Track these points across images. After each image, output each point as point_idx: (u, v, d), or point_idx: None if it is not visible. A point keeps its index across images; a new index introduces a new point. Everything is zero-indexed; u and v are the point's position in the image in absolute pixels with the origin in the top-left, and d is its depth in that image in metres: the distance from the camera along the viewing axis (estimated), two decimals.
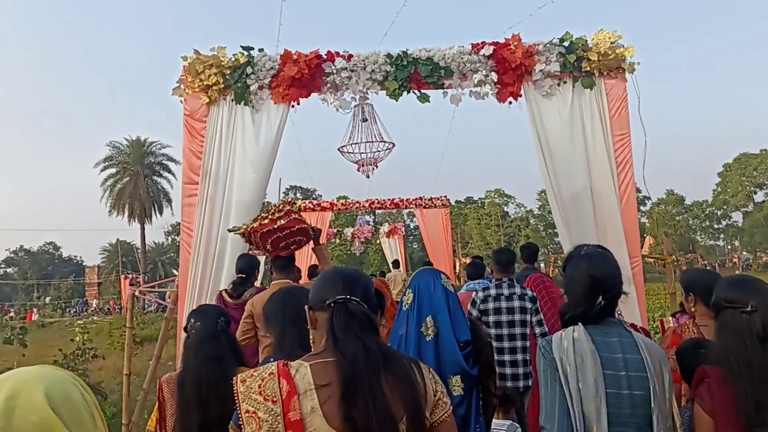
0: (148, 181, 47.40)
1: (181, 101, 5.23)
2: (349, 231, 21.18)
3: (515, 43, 4.99)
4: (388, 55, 5.06)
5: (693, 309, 2.93)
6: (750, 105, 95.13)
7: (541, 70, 4.99)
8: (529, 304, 4.60)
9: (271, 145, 5.15)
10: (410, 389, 1.58)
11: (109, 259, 64.19)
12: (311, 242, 4.39)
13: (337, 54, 5.11)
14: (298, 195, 57.44)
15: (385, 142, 6.14)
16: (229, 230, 4.61)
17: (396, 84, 5.04)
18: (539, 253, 8.40)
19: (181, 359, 2.73)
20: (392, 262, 15.72)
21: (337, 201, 14.98)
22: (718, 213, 66.79)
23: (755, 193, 63.90)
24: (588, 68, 4.99)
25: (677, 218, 65.08)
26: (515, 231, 60.47)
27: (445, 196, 15.10)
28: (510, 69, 4.99)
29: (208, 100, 5.13)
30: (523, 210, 64.73)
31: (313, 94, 5.19)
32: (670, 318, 5.40)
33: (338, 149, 6.30)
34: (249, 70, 5.09)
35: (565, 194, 5.03)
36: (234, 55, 5.18)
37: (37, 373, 1.10)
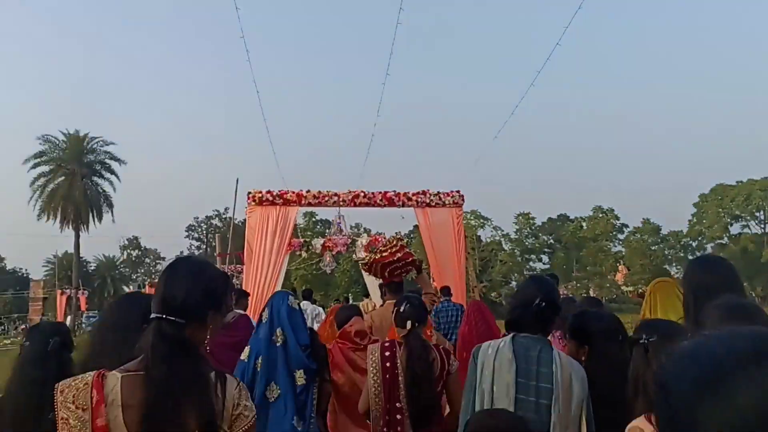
0: (86, 182, 41.03)
1: None
2: (318, 242, 16.77)
3: None
4: None
5: None
6: (730, 133, 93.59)
7: None
8: None
9: None
10: (206, 409, 1.70)
11: (55, 272, 58.17)
12: (416, 270, 4.98)
13: None
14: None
15: None
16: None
17: None
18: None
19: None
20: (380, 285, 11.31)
21: (307, 193, 10.55)
22: (693, 244, 64.78)
23: (731, 225, 61.96)
24: None
25: (653, 248, 62.59)
26: (490, 255, 56.55)
27: (458, 192, 10.85)
28: None
29: None
30: (499, 233, 60.90)
31: None
32: None
33: None
34: None
35: None
36: None
37: None
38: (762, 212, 60.97)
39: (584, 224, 64.21)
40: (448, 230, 10.62)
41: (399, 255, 4.76)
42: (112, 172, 43.00)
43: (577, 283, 57.97)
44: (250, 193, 10.35)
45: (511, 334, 2.54)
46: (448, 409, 3.45)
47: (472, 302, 6.41)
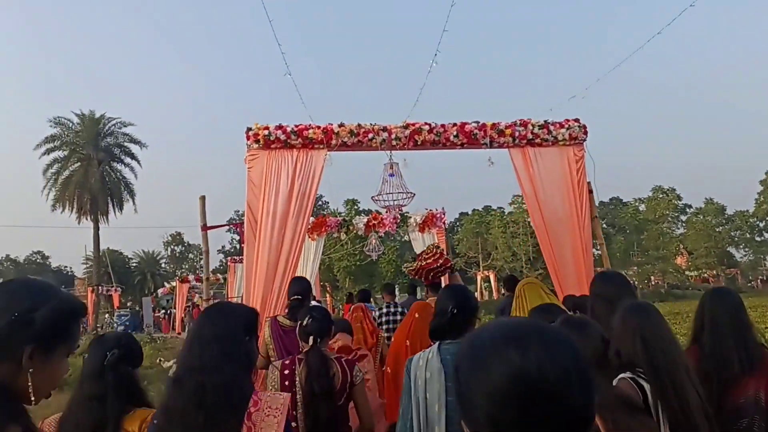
0: (104, 167, 37.63)
1: None
2: (361, 221, 12.92)
3: None
4: None
5: None
6: None
7: None
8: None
9: None
10: None
11: (95, 269, 56.20)
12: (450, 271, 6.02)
13: None
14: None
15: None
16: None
17: None
18: None
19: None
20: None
21: (340, 128, 6.68)
22: (761, 224, 59.21)
23: None
24: None
25: (718, 229, 57.35)
26: None
27: (577, 121, 6.88)
28: None
29: None
30: None
31: None
32: None
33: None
34: None
35: None
36: None
37: None
38: None
39: (642, 206, 59.31)
40: (563, 181, 6.65)
41: (441, 261, 5.74)
42: (133, 157, 39.66)
43: (638, 269, 53.16)
44: (250, 129, 6.47)
45: (436, 343, 2.90)
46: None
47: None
